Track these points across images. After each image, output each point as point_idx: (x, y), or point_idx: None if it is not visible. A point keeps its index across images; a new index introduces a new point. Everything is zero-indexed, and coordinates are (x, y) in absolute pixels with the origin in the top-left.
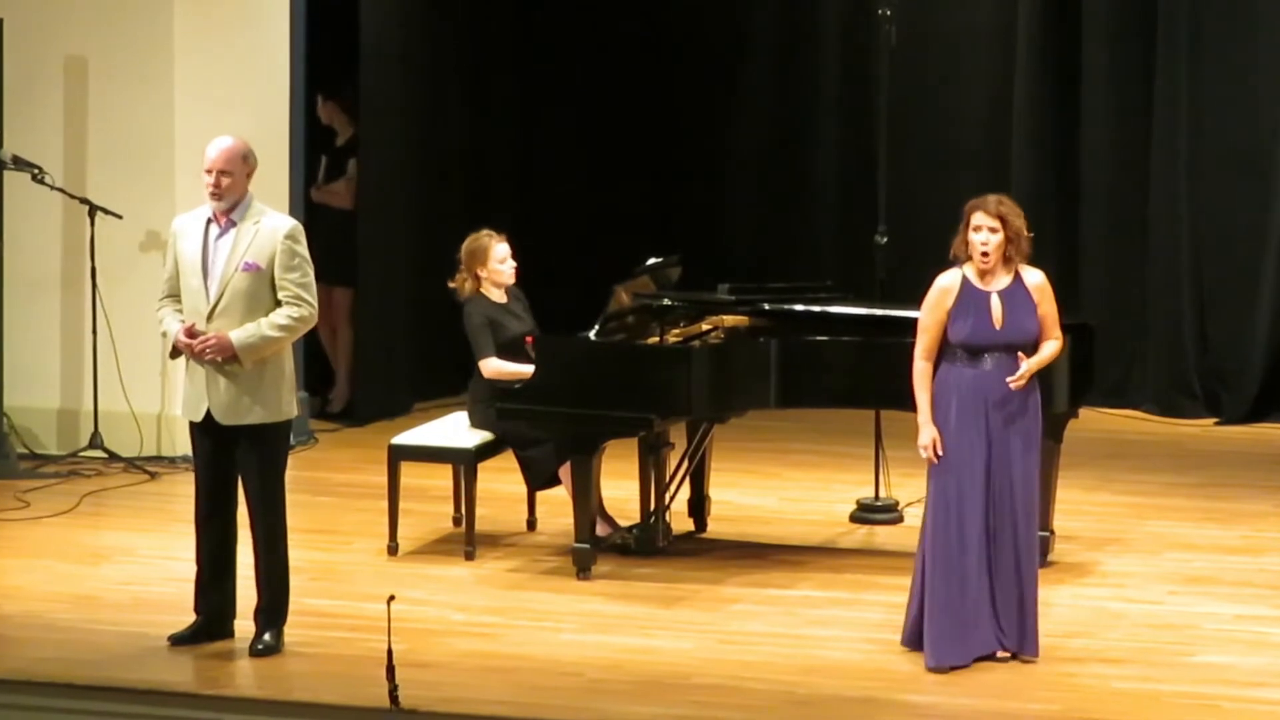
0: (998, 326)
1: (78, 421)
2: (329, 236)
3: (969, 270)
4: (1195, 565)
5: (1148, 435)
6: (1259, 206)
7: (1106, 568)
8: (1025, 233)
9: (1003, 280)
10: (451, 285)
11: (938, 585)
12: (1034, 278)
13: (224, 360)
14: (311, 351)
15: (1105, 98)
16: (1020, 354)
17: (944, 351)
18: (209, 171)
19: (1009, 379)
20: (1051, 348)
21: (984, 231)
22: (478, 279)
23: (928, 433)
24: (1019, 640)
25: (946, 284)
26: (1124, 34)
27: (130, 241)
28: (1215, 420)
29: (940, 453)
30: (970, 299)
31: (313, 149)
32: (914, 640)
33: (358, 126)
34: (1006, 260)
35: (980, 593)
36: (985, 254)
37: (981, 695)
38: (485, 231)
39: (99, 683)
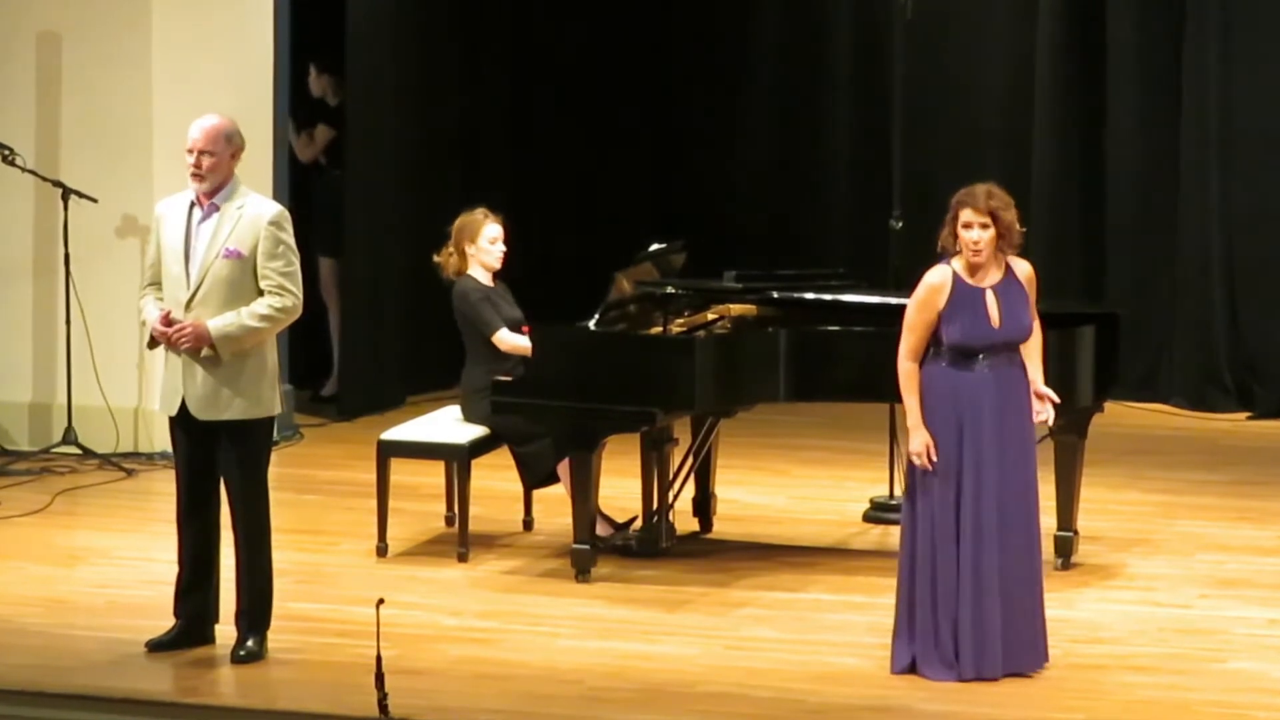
0: (996, 326)
1: (50, 416)
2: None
3: (958, 265)
4: (1227, 567)
5: (1177, 430)
6: None
7: (1134, 570)
8: (1017, 226)
9: (994, 275)
10: (436, 260)
11: (927, 599)
12: (1024, 268)
13: (200, 350)
14: (299, 339)
15: (1132, 74)
16: (1020, 354)
17: (929, 351)
18: (190, 151)
19: (1040, 418)
20: (1039, 344)
21: (975, 229)
22: (464, 256)
23: (920, 438)
24: (1017, 659)
25: (937, 282)
26: (1151, 7)
27: (106, 227)
28: (1248, 414)
29: (934, 458)
30: (964, 298)
31: (310, 123)
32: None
33: (345, 100)
34: (996, 254)
35: (953, 611)
36: (977, 253)
37: (1002, 704)
38: (481, 209)
39: (73, 691)
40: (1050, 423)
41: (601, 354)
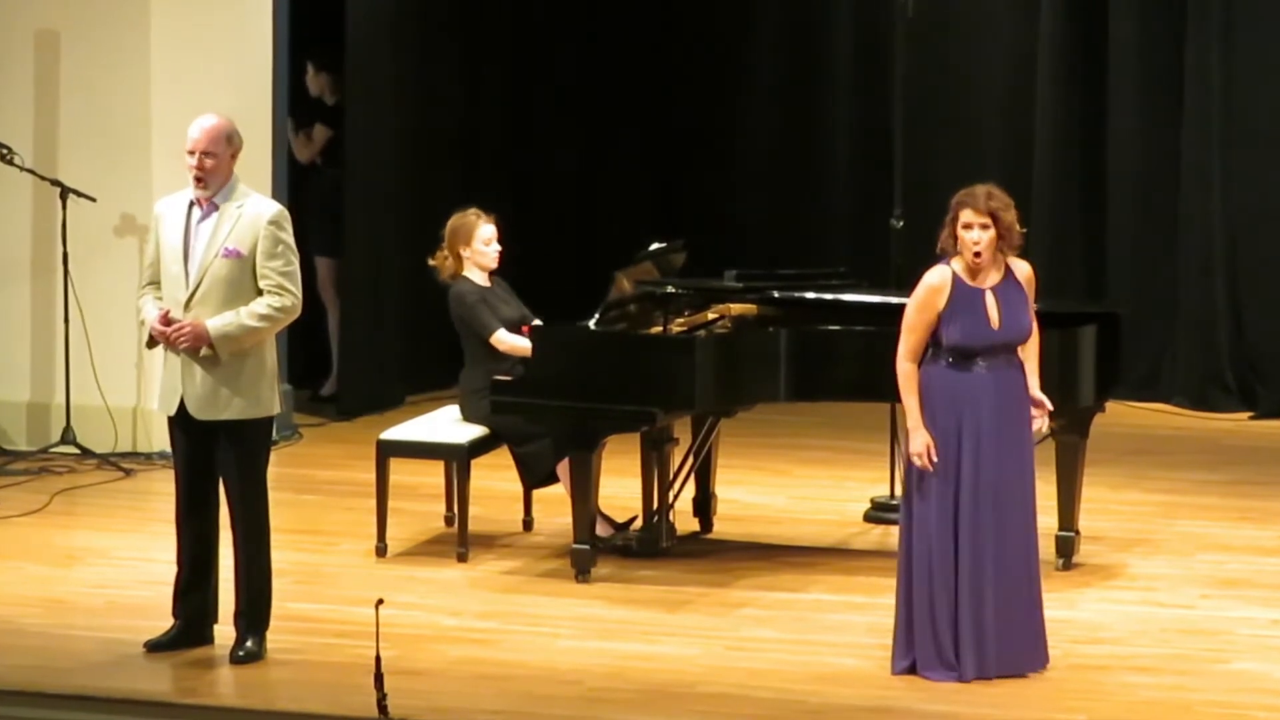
0: (995, 327)
1: (49, 416)
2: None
3: (958, 266)
4: (1229, 567)
5: (1178, 430)
6: None
7: (1135, 570)
8: (1018, 227)
9: (994, 276)
10: (431, 263)
11: (925, 600)
12: (1024, 269)
13: (199, 350)
14: (298, 339)
15: (1133, 74)
16: (1019, 355)
17: (928, 352)
18: (191, 152)
19: (1034, 424)
20: (1036, 346)
21: (975, 230)
22: (459, 259)
23: (920, 439)
24: (1017, 660)
25: (936, 282)
26: (1152, 6)
27: (104, 226)
28: (1250, 414)
29: (934, 459)
30: (964, 299)
31: (308, 122)
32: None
33: (343, 100)
34: (996, 254)
35: (952, 613)
36: (978, 254)
37: (1003, 704)
38: (473, 210)
39: (72, 691)
40: (1044, 429)
41: (601, 354)
